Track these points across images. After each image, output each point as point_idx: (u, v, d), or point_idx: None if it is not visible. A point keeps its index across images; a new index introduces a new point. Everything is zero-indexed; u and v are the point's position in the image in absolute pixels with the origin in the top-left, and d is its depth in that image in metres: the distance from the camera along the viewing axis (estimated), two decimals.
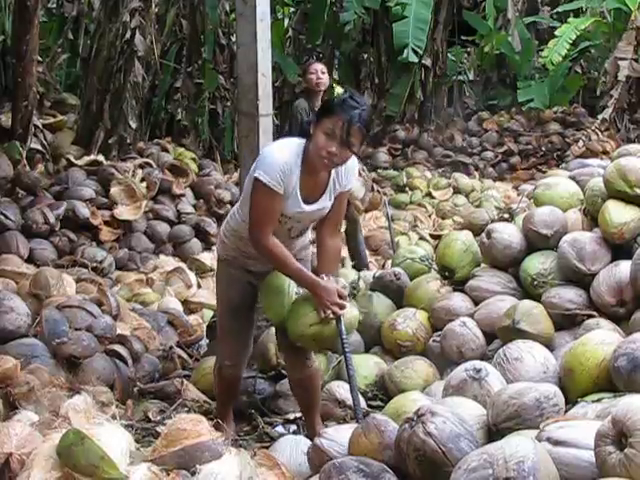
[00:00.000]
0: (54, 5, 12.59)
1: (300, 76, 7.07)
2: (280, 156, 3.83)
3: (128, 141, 10.01)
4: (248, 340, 4.34)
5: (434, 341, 4.92)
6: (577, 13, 15.61)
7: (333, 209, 4.06)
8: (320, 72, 7.12)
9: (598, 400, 3.34)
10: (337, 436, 3.41)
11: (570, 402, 3.45)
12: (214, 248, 8.16)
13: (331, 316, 3.85)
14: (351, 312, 4.09)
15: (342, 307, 3.86)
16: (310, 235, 4.32)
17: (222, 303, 4.31)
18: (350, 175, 4.02)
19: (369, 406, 4.58)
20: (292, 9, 16.08)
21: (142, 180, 9.03)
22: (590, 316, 4.43)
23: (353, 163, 4.02)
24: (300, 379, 4.27)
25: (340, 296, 3.87)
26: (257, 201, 3.85)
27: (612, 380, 3.44)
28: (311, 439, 3.82)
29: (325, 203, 4.00)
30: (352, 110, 3.73)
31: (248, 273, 4.16)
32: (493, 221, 5.86)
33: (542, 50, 14.79)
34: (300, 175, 3.86)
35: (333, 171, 3.95)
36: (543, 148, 14.31)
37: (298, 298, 4.01)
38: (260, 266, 4.10)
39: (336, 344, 4.01)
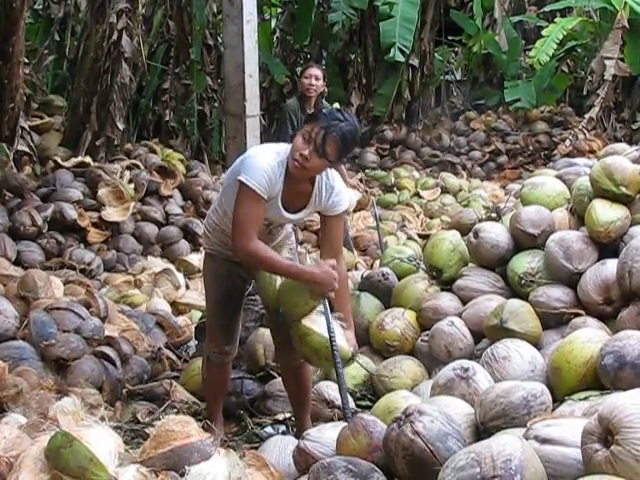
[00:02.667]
0: (40, 6, 12.53)
1: (297, 77, 7.08)
2: (265, 162, 3.85)
3: (115, 142, 9.98)
4: (235, 331, 4.38)
5: (422, 341, 4.93)
6: (564, 13, 15.67)
7: (328, 235, 4.11)
8: (314, 78, 7.12)
9: (585, 398, 3.35)
10: (321, 437, 3.42)
11: (557, 400, 3.47)
12: (202, 249, 8.17)
13: (330, 294, 3.87)
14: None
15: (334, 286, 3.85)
16: (290, 228, 4.37)
17: (209, 295, 4.36)
18: (337, 200, 4.03)
19: (358, 406, 4.58)
20: (279, 10, 16.07)
21: (130, 181, 9.00)
22: (577, 315, 4.45)
23: (341, 189, 4.05)
24: (292, 368, 4.30)
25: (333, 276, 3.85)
26: (242, 206, 3.86)
27: (599, 378, 3.45)
28: None
29: (304, 214, 4.07)
30: (334, 121, 3.77)
31: (235, 266, 4.18)
32: (481, 220, 5.87)
33: (529, 50, 14.84)
34: (283, 182, 3.89)
35: (316, 186, 3.97)
36: (530, 147, 14.36)
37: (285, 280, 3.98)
38: None
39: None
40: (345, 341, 3.91)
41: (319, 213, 4.13)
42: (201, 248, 8.03)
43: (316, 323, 3.88)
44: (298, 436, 4.13)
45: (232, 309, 4.32)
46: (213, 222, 4.20)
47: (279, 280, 4.00)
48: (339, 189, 4.05)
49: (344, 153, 3.86)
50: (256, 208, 3.85)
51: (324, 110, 3.98)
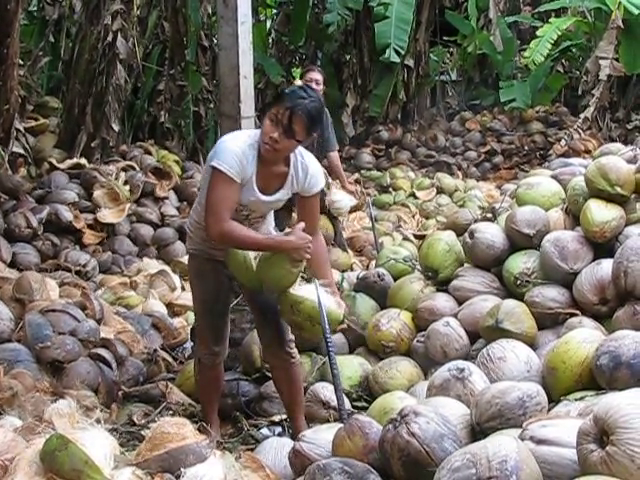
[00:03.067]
0: (35, 8, 12.52)
1: (294, 78, 7.08)
2: (235, 146, 3.91)
3: (111, 144, 9.97)
4: (224, 331, 4.39)
5: (418, 341, 4.94)
6: (558, 13, 15.69)
7: (305, 215, 4.14)
8: (315, 82, 7.14)
9: (581, 398, 3.36)
10: (316, 438, 3.42)
11: (553, 401, 3.48)
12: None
13: (307, 256, 3.88)
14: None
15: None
16: (273, 223, 4.36)
17: (195, 296, 4.38)
18: (314, 181, 4.09)
19: (353, 407, 4.59)
20: (274, 11, 16.07)
21: (125, 183, 9.00)
22: (573, 315, 4.45)
23: (316, 169, 4.11)
24: (279, 368, 4.32)
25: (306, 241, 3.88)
26: (215, 189, 3.89)
27: (595, 378, 3.46)
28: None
29: (282, 196, 4.08)
30: (298, 99, 3.83)
31: (220, 264, 4.18)
32: (476, 221, 5.88)
33: (524, 50, 14.85)
34: (256, 164, 3.93)
35: (292, 167, 4.03)
36: (526, 147, 14.38)
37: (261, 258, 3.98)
38: None
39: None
40: (335, 304, 3.95)
41: (295, 194, 4.14)
42: None
43: (303, 290, 3.93)
44: (294, 437, 4.13)
45: (219, 309, 4.32)
46: (195, 221, 4.22)
47: (253, 260, 3.99)
48: (315, 168, 4.11)
49: (312, 130, 3.91)
50: (229, 190, 3.88)
51: (287, 90, 4.02)
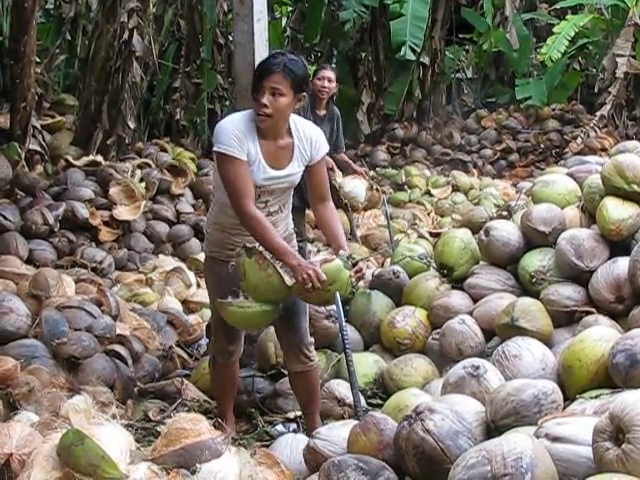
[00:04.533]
0: (52, 6, 12.57)
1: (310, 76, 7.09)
2: (230, 125, 3.93)
3: (127, 141, 10.01)
4: (239, 331, 4.38)
5: (433, 339, 4.94)
6: (575, 10, 15.62)
7: (314, 182, 4.14)
8: (327, 80, 7.12)
9: (596, 396, 3.34)
10: (330, 435, 3.43)
11: (568, 399, 3.47)
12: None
13: (308, 285, 3.82)
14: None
15: (316, 285, 3.80)
16: (292, 224, 4.33)
17: (212, 298, 4.36)
18: (318, 145, 4.09)
19: (368, 404, 4.59)
20: (290, 8, 16.08)
21: (141, 180, 9.03)
22: (588, 313, 4.44)
23: (317, 133, 4.12)
24: (298, 372, 4.30)
25: (318, 277, 3.81)
26: (226, 173, 3.91)
27: (610, 376, 3.44)
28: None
29: (294, 169, 4.05)
30: (274, 59, 3.89)
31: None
32: (492, 219, 5.87)
33: (540, 47, 14.79)
34: (259, 140, 3.93)
35: (295, 137, 4.03)
36: (541, 145, 14.31)
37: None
38: None
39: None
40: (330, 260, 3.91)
41: (306, 167, 4.12)
42: None
43: None
44: (309, 434, 4.14)
45: None
46: (211, 222, 4.22)
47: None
48: (316, 133, 4.12)
49: (297, 85, 3.91)
50: (239, 170, 3.88)
51: (261, 60, 4.06)
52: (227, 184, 3.92)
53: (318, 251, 4.14)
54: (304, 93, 4.00)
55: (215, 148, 3.90)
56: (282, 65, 3.85)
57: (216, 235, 4.19)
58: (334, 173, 7.44)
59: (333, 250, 4.08)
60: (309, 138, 4.06)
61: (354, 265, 3.95)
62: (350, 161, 7.85)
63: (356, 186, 7.55)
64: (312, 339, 4.33)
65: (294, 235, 4.36)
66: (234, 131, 3.89)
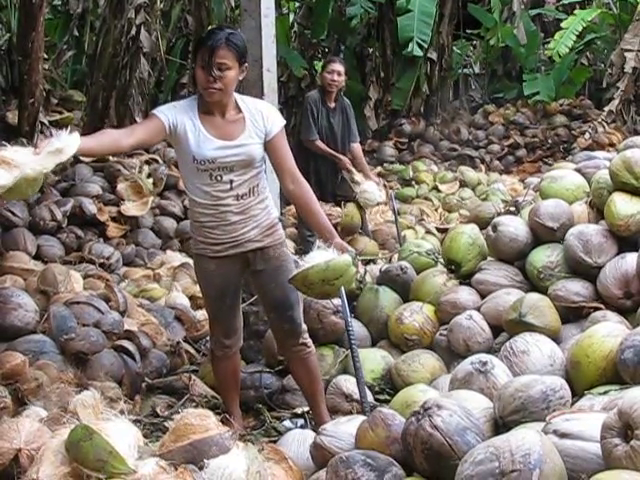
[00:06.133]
0: (59, 2, 12.59)
1: (317, 70, 7.11)
2: (172, 104, 4.13)
3: None
4: (235, 324, 4.40)
5: (441, 335, 4.93)
6: (583, 5, 15.57)
7: (275, 157, 4.14)
8: (337, 74, 7.15)
9: (605, 393, 3.34)
10: (337, 431, 3.43)
11: (577, 395, 3.46)
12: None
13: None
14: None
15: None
16: (275, 212, 4.31)
17: (204, 294, 4.40)
18: (272, 118, 4.11)
19: (376, 400, 4.59)
20: (297, 4, 16.07)
21: (149, 176, 9.03)
22: (597, 308, 4.43)
23: (267, 106, 4.18)
24: (298, 360, 4.34)
25: None
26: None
27: (619, 372, 3.43)
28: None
29: (247, 140, 4.05)
30: (215, 35, 3.93)
31: (224, 260, 4.17)
32: (499, 214, 5.86)
33: (548, 42, 14.76)
34: (200, 117, 4.01)
35: (246, 112, 4.07)
36: (549, 141, 14.28)
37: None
38: (235, 249, 4.14)
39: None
40: (337, 254, 3.89)
41: (265, 145, 4.11)
42: None
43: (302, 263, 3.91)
44: (316, 429, 4.15)
45: (228, 304, 4.31)
46: (192, 220, 4.26)
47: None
48: (266, 107, 4.18)
49: (241, 57, 3.98)
50: (147, 120, 4.13)
51: (199, 37, 4.19)
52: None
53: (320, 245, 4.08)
54: (246, 64, 4.07)
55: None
56: (225, 39, 3.92)
57: (198, 232, 4.20)
58: (351, 173, 7.43)
59: (324, 241, 4.01)
60: (260, 111, 4.09)
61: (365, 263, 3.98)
62: (365, 163, 7.86)
63: (374, 192, 7.55)
64: (305, 326, 4.36)
65: (279, 224, 4.33)
66: (173, 104, 4.10)
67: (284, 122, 4.20)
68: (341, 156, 7.41)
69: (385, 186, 10.44)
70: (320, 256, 3.88)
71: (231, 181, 4.04)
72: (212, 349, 4.49)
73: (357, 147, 7.67)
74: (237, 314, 4.41)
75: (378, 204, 8.22)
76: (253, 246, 4.14)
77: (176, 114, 3.98)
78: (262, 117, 4.07)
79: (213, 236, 4.13)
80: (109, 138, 3.89)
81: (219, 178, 4.02)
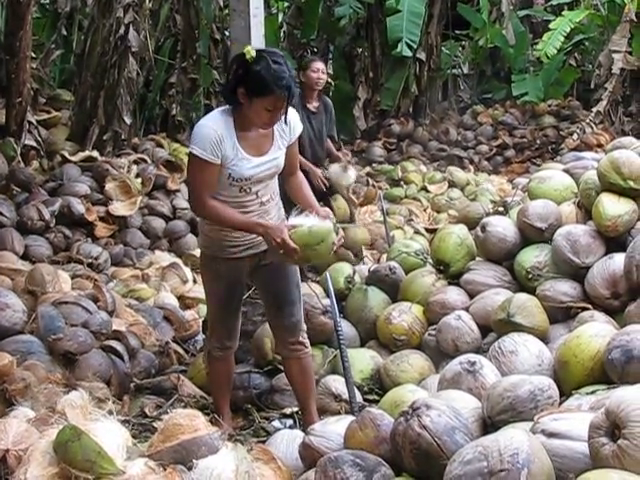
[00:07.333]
0: (47, 1, 12.55)
1: (297, 70, 7.03)
2: (209, 127, 3.92)
3: (123, 137, 9.98)
4: (237, 326, 4.40)
5: (429, 335, 4.94)
6: (571, 6, 15.62)
7: (291, 160, 4.18)
8: (321, 72, 7.13)
9: (592, 392, 3.36)
10: (325, 431, 3.43)
11: (564, 394, 3.47)
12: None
13: (279, 250, 3.86)
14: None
15: (288, 249, 3.81)
16: (282, 210, 4.32)
17: (211, 296, 4.37)
18: (294, 125, 4.11)
19: (365, 400, 4.60)
20: (286, 4, 16.05)
21: (137, 176, 9.02)
22: (584, 309, 4.45)
23: (291, 112, 4.09)
24: (294, 360, 4.32)
25: (286, 244, 3.82)
26: (194, 174, 3.99)
27: (606, 372, 3.45)
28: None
29: (277, 153, 4.07)
30: (288, 82, 3.81)
31: (236, 262, 4.16)
32: (488, 215, 5.87)
33: (536, 43, 14.80)
34: (237, 135, 3.94)
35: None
36: (538, 141, 14.32)
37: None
38: (250, 249, 4.14)
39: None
40: (319, 220, 3.92)
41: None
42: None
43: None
44: (305, 430, 4.14)
45: (234, 306, 4.33)
46: (207, 222, 4.19)
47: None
48: (291, 112, 4.08)
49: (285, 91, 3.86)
50: (207, 174, 3.94)
51: (264, 76, 3.80)
52: (192, 183, 4.05)
53: (301, 212, 4.10)
54: None
55: (190, 148, 3.94)
56: (295, 83, 3.91)
57: (214, 234, 4.16)
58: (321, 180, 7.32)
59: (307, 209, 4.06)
60: (288, 122, 4.06)
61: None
62: (332, 147, 7.76)
63: (335, 171, 7.45)
64: (305, 326, 4.35)
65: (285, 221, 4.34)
66: (212, 133, 3.88)
67: (302, 127, 4.22)
68: (313, 167, 7.27)
69: (374, 186, 10.47)
70: (301, 220, 3.90)
71: (257, 191, 4.07)
72: (209, 351, 4.47)
73: (328, 145, 7.56)
74: (239, 316, 4.42)
75: (362, 204, 8.16)
76: (265, 246, 4.13)
77: (219, 144, 3.88)
78: (289, 126, 4.07)
79: (231, 239, 4.11)
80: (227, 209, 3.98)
81: (248, 190, 4.03)
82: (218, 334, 4.39)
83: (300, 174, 4.31)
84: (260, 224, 3.95)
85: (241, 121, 3.95)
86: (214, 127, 3.91)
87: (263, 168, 4.02)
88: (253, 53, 3.83)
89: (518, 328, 4.24)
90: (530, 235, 4.92)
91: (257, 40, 5.94)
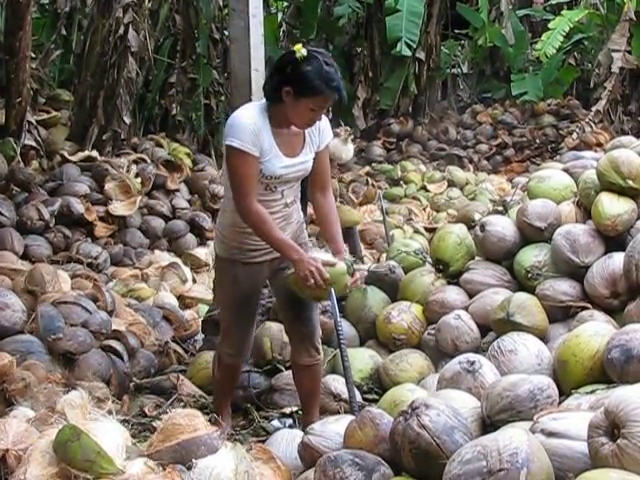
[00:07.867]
0: (47, 1, 12.54)
1: None
2: (247, 118, 3.83)
3: (122, 137, 9.98)
4: (251, 330, 4.35)
5: (429, 334, 4.94)
6: (570, 5, 15.61)
7: (317, 168, 4.07)
8: None
9: (592, 392, 3.35)
10: (324, 431, 3.43)
11: (564, 394, 3.47)
12: (209, 243, 8.16)
13: (310, 282, 3.80)
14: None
15: (318, 282, 3.78)
16: (302, 214, 4.29)
17: (226, 299, 4.29)
18: (325, 132, 4.07)
19: (364, 399, 4.60)
20: (286, 3, 16.05)
21: (136, 175, 9.02)
22: (584, 308, 4.45)
23: (324, 119, 4.05)
24: (306, 366, 4.27)
25: (321, 274, 3.79)
26: (235, 167, 3.84)
27: (606, 372, 3.45)
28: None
29: (307, 157, 4.01)
30: (338, 83, 3.79)
31: (256, 266, 4.10)
32: (487, 214, 5.87)
33: (536, 43, 14.78)
34: (272, 132, 3.87)
35: None
36: (537, 140, 14.31)
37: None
38: (270, 254, 4.07)
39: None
40: (336, 258, 3.92)
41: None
42: (209, 243, 8.05)
43: None
44: (305, 429, 4.14)
45: (251, 311, 4.26)
46: (227, 224, 4.09)
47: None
48: (323, 118, 4.04)
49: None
50: (249, 167, 3.81)
51: (313, 76, 3.76)
52: (234, 179, 3.86)
53: (322, 246, 4.10)
54: None
55: (228, 142, 3.80)
56: (341, 84, 3.86)
57: (234, 237, 4.06)
58: None
59: (332, 251, 4.02)
60: (318, 124, 3.99)
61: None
62: None
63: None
64: (320, 331, 4.31)
65: (304, 225, 4.30)
66: (253, 127, 3.79)
67: (332, 136, 4.18)
68: None
69: (373, 185, 10.46)
70: (316, 254, 3.90)
71: (283, 191, 4.00)
72: (220, 355, 4.39)
73: None
74: (255, 322, 4.36)
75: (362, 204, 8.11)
76: None
77: (257, 135, 3.80)
78: (319, 129, 4.02)
79: (252, 242, 4.03)
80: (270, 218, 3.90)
81: (274, 189, 3.96)
82: (230, 340, 4.29)
83: (331, 197, 4.17)
84: (297, 250, 3.86)
85: (277, 118, 3.87)
86: (252, 119, 3.83)
87: (293, 169, 3.97)
88: (304, 52, 3.78)
89: (517, 327, 4.24)
90: (529, 234, 4.92)
91: (256, 40, 5.94)
